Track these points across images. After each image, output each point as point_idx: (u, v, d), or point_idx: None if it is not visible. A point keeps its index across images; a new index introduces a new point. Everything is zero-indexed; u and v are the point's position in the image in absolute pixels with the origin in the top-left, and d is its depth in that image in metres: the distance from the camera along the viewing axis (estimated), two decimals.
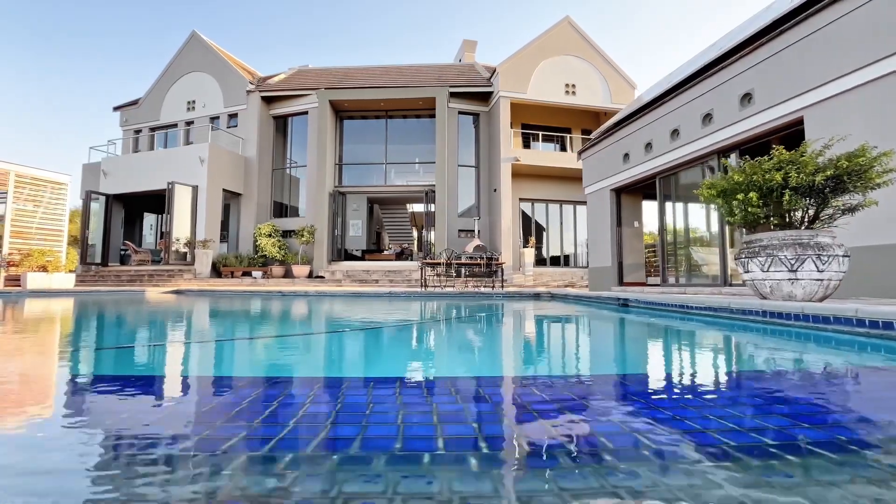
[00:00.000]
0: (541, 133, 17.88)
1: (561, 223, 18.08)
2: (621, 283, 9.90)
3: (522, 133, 18.20)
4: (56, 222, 11.29)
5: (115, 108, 19.58)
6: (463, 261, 12.23)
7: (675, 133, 7.98)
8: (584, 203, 18.16)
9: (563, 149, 19.36)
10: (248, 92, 17.47)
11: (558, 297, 8.28)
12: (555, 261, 17.95)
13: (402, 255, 19.78)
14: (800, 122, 5.85)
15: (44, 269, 10.75)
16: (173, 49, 19.05)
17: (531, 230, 17.62)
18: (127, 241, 17.59)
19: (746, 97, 6.55)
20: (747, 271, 3.51)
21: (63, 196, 11.45)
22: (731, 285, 7.07)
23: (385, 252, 19.74)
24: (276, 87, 17.88)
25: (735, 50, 6.77)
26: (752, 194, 3.33)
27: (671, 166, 8.24)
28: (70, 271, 11.29)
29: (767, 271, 3.30)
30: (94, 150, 18.18)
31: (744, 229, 3.78)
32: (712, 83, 7.15)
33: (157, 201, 19.32)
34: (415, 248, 24.91)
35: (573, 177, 17.49)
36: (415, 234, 27.71)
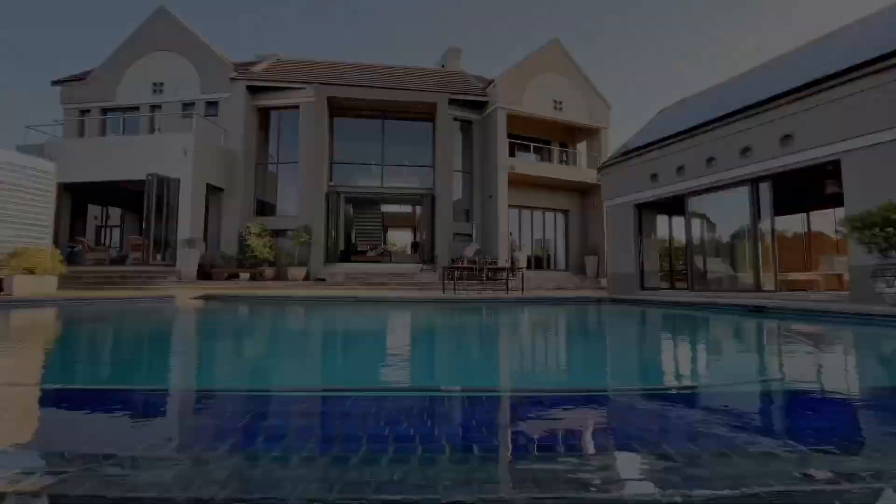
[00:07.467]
0: (531, 144, 18.92)
1: (543, 229, 19.35)
2: (643, 287, 11.17)
3: (509, 142, 19.13)
4: (39, 216, 9.72)
5: (55, 83, 16.86)
6: (489, 265, 12.71)
7: (711, 160, 9.32)
8: (563, 211, 19.66)
9: (543, 159, 20.70)
10: (233, 80, 16.19)
11: (623, 301, 9.12)
12: (537, 264, 19.15)
13: (382, 257, 19.64)
14: (836, 162, 7.34)
15: (30, 271, 9.22)
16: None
17: (520, 235, 18.63)
18: (79, 237, 15.31)
19: (787, 137, 7.97)
20: (891, 287, 4.62)
21: (47, 185, 9.86)
22: (762, 291, 8.52)
23: (369, 253, 19.45)
24: (265, 77, 16.79)
25: (774, 98, 8.18)
26: None
27: (703, 188, 9.59)
28: (61, 274, 9.77)
29: None
30: (31, 129, 15.53)
31: (878, 253, 4.91)
32: (753, 122, 8.53)
33: (111, 192, 17.07)
34: (382, 248, 24.70)
35: (553, 186, 18.83)
36: (381, 235, 27.44)
